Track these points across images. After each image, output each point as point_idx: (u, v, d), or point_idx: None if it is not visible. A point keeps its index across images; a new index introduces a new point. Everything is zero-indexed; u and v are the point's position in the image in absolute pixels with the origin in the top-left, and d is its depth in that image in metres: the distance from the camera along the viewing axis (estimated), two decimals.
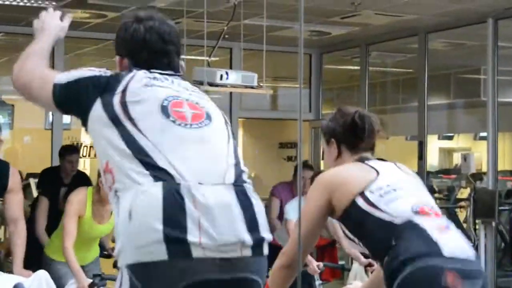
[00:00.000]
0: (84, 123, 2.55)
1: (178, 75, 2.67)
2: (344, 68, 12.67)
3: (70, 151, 7.81)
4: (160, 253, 2.21)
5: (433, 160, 14.84)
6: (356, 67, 11.12)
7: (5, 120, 14.35)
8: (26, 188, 12.97)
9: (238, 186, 2.40)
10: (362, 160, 3.18)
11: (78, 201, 5.72)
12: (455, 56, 11.34)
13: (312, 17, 8.73)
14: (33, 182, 12.65)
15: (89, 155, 14.75)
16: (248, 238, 2.32)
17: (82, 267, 5.61)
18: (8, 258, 5.75)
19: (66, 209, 5.74)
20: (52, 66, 9.21)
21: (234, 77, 6.42)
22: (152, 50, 2.66)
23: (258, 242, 2.35)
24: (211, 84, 6.41)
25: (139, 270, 2.24)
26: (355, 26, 9.43)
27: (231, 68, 9.73)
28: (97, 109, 2.48)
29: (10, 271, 5.07)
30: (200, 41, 7.50)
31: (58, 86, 2.58)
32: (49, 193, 7.18)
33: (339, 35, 10.02)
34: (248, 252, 2.33)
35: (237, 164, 2.48)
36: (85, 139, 16.62)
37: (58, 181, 7.55)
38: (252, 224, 2.36)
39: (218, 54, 9.66)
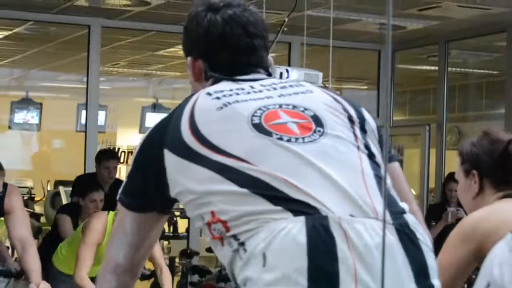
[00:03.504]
0: (173, 200, 2.24)
1: (267, 77, 2.35)
2: (420, 68, 12.56)
3: (108, 156, 7.87)
4: None
5: None
6: (433, 67, 11.01)
7: (33, 121, 14.48)
8: (55, 196, 13.17)
9: (396, 217, 2.04)
10: (511, 196, 2.98)
11: (98, 230, 5.85)
12: None
13: (384, 8, 8.67)
14: (63, 190, 12.79)
15: (126, 162, 14.84)
16: None
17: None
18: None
19: (86, 235, 5.86)
20: (87, 59, 9.30)
21: (296, 75, 6.36)
22: (234, 48, 2.33)
23: None
24: None
25: None
26: (433, 19, 9.34)
27: (289, 65, 9.69)
28: (170, 164, 2.16)
29: None
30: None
31: (120, 196, 2.33)
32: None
33: (415, 29, 9.93)
34: None
35: (383, 185, 2.09)
36: (122, 143, 16.75)
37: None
38: (420, 270, 2.01)
39: (275, 50, 9.65)
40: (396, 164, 2.44)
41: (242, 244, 2.01)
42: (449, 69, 10.54)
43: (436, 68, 10.63)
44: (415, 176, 10.76)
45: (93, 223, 5.92)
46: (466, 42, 10.43)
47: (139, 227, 2.33)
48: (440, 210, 8.13)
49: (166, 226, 12.87)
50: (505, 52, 9.69)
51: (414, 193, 11.73)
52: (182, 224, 12.43)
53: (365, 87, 13.49)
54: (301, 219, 1.96)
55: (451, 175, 7.50)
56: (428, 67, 12.00)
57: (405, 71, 12.28)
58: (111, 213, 5.92)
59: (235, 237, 2.03)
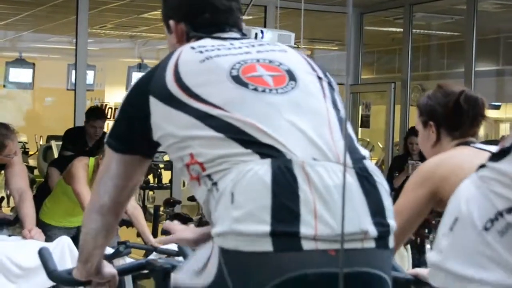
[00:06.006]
0: (156, 144, 2.26)
1: (245, 37, 2.41)
2: (386, 30, 12.54)
3: (96, 115, 7.83)
4: (264, 245, 1.96)
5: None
6: (398, 29, 11.00)
7: (26, 80, 14.39)
8: (47, 150, 13.15)
9: (356, 162, 2.09)
10: (466, 143, 3.00)
11: (83, 166, 5.83)
12: (506, 19, 11.17)
13: None
14: (54, 144, 12.77)
15: (113, 118, 14.80)
16: (372, 229, 2.01)
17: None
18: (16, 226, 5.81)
19: (76, 176, 5.81)
20: (76, 21, 9.22)
21: (269, 36, 6.36)
22: (215, 10, 2.39)
23: (383, 233, 2.05)
24: None
25: (234, 258, 2.01)
26: None
27: (265, 27, 9.65)
28: (154, 110, 2.20)
29: None
30: None
31: (108, 139, 2.35)
32: (76, 153, 7.20)
33: None
34: (370, 244, 2.02)
35: (346, 132, 2.14)
36: (110, 100, 16.70)
37: (83, 142, 7.62)
38: (376, 210, 2.05)
39: (252, 13, 9.60)
40: None
41: (215, 184, 2.06)
42: (414, 30, 10.53)
43: (401, 30, 10.61)
44: (381, 130, 10.81)
45: (77, 162, 5.92)
46: (429, 5, 10.41)
47: (124, 169, 2.36)
48: (402, 162, 8.16)
49: (151, 177, 12.90)
50: (465, 15, 9.68)
51: (380, 146, 11.79)
52: (166, 176, 12.46)
53: (336, 47, 13.46)
54: (267, 161, 2.01)
55: (412, 130, 7.54)
56: (393, 29, 11.98)
57: (373, 33, 12.26)
58: (92, 158, 5.92)
59: (209, 176, 2.08)
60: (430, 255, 1.65)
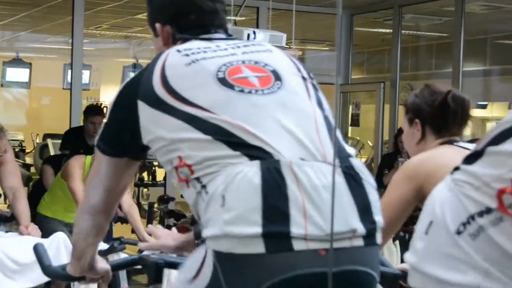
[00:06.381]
0: (145, 147, 2.25)
1: (231, 37, 2.39)
2: (376, 31, 12.55)
3: (94, 112, 7.84)
4: (256, 246, 1.94)
5: (465, 130, 14.73)
6: (388, 30, 11.01)
7: (23, 79, 14.37)
8: (43, 148, 13.11)
9: (343, 161, 2.07)
10: (450, 142, 3.01)
11: (80, 164, 5.86)
12: (493, 20, 11.19)
13: None
14: (50, 143, 12.73)
15: None
16: (360, 227, 2.01)
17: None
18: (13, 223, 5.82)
19: (71, 174, 5.86)
20: (72, 22, 9.20)
21: (261, 36, 6.36)
22: (200, 11, 2.37)
23: (371, 231, 2.04)
24: None
25: (227, 260, 2.00)
26: None
27: (257, 27, 9.65)
28: (143, 114, 2.18)
29: None
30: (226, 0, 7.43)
31: (98, 142, 2.34)
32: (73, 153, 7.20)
33: None
34: (359, 242, 2.01)
35: (332, 131, 2.13)
36: (105, 99, 16.65)
37: (82, 142, 7.61)
38: (364, 207, 2.04)
39: (245, 14, 9.60)
40: None
41: (204, 187, 2.05)
42: (403, 31, 10.53)
43: (391, 31, 10.62)
44: (370, 129, 10.81)
45: (74, 161, 5.96)
46: (418, 7, 10.41)
47: (113, 171, 2.35)
48: (392, 160, 8.16)
49: (145, 175, 12.87)
50: (453, 16, 9.69)
51: (370, 144, 11.80)
52: (160, 173, 12.44)
53: (327, 48, 13.46)
54: (256, 163, 2.00)
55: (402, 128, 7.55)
56: (383, 30, 11.99)
57: (363, 34, 12.26)
58: (89, 156, 5.94)
59: (198, 179, 2.06)
60: (407, 256, 1.66)
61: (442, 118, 3.03)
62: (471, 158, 1.57)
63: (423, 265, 1.57)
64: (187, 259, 2.27)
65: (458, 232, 1.51)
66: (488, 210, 1.47)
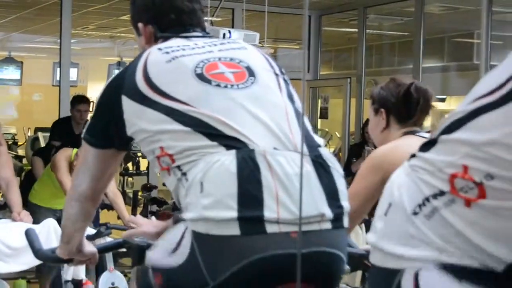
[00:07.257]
0: (129, 138, 2.26)
1: (208, 36, 2.42)
2: (342, 31, 12.57)
3: (79, 100, 7.86)
4: (232, 229, 1.96)
5: (425, 121, 14.80)
6: (354, 30, 11.03)
7: (15, 77, 14.28)
8: (35, 141, 13.04)
9: (312, 150, 2.09)
10: (412, 133, 3.01)
11: (66, 157, 5.88)
12: (450, 20, 11.25)
13: None
14: (41, 136, 12.67)
15: None
16: (328, 211, 2.03)
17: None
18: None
19: (58, 166, 5.89)
20: (60, 23, 9.15)
21: (236, 35, 6.36)
22: (179, 11, 2.39)
23: (338, 215, 2.06)
24: None
25: (205, 241, 2.01)
26: None
27: (232, 27, 9.64)
28: (127, 108, 2.19)
29: None
30: (203, 1, 7.41)
31: (85, 135, 2.35)
32: (63, 142, 7.17)
33: None
34: (327, 226, 2.04)
35: (302, 123, 2.13)
36: (92, 94, 16.56)
37: (69, 131, 7.61)
38: (331, 193, 2.06)
39: (221, 15, 9.58)
40: None
41: (184, 174, 2.07)
42: (367, 31, 10.57)
43: (356, 30, 10.65)
44: (338, 121, 10.85)
45: (60, 155, 5.98)
46: (381, 8, 10.45)
47: (100, 162, 2.36)
48: (359, 149, 8.19)
49: (130, 164, 12.82)
50: (413, 17, 9.73)
51: (338, 135, 11.83)
52: (143, 163, 12.40)
53: (297, 46, 13.47)
54: (232, 152, 2.02)
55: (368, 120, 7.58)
56: (349, 30, 12.01)
57: (330, 33, 12.28)
58: (75, 149, 5.94)
59: (179, 167, 2.08)
60: (368, 236, 1.68)
61: (406, 107, 3.04)
62: (426, 146, 1.59)
63: (382, 243, 1.59)
64: (166, 232, 2.27)
65: (415, 213, 1.52)
66: (442, 193, 1.49)
